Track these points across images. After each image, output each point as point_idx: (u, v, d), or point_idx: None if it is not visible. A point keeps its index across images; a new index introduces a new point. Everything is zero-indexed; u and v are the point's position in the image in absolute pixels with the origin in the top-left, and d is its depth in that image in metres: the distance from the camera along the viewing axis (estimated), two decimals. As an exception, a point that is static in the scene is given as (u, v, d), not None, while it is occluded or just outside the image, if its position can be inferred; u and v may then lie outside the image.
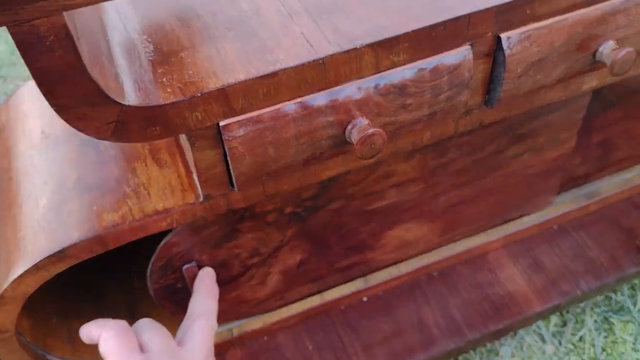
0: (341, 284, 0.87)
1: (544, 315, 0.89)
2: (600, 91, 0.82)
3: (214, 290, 0.70)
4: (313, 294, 0.86)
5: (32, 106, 0.76)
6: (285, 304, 0.85)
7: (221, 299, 0.75)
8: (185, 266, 0.70)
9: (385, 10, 0.59)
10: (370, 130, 0.57)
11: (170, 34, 0.58)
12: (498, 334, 0.86)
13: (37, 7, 0.39)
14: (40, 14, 0.40)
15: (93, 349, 0.64)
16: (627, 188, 0.99)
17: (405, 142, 0.67)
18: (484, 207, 0.88)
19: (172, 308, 0.75)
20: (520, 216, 0.93)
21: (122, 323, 0.59)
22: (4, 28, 0.50)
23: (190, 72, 0.53)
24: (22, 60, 0.47)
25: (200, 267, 0.72)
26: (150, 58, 0.55)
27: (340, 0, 0.60)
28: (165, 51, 0.56)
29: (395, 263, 0.89)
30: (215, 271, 0.72)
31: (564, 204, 0.96)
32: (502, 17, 0.59)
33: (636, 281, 1.06)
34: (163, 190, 0.63)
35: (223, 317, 0.80)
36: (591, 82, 0.72)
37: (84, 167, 0.67)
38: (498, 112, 0.70)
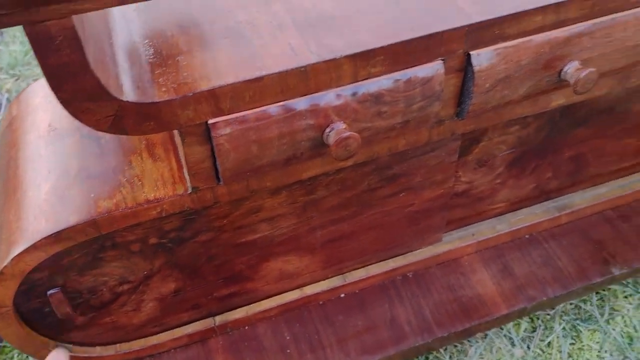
0: (226, 311, 0.89)
1: (511, 318, 0.94)
2: (569, 109, 0.87)
3: None
4: (197, 320, 0.88)
5: (42, 101, 0.82)
6: (166, 330, 0.87)
7: (96, 324, 0.78)
8: (50, 291, 0.72)
9: (366, 26, 0.64)
10: (346, 134, 0.62)
11: (170, 39, 0.64)
12: (465, 334, 0.91)
13: (50, 10, 0.45)
14: (52, 16, 0.46)
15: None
16: (599, 202, 1.05)
17: (381, 148, 0.73)
18: (367, 242, 0.90)
19: (42, 331, 0.77)
20: (408, 252, 0.96)
21: None
22: (20, 29, 0.56)
23: (185, 74, 0.59)
24: (35, 61, 0.53)
25: (66, 292, 0.73)
26: (150, 60, 0.61)
27: (326, 16, 0.66)
28: (164, 54, 0.62)
29: (280, 293, 0.90)
30: (84, 296, 0.74)
31: (536, 215, 1.01)
32: (473, 36, 0.65)
33: (605, 292, 1.12)
34: (155, 181, 0.68)
35: (100, 341, 0.82)
36: (558, 99, 0.78)
37: (85, 159, 0.73)
38: (468, 123, 0.75)
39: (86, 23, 0.54)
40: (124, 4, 0.46)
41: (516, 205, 1.01)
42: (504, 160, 0.91)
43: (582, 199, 1.04)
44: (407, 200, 0.86)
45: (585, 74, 0.69)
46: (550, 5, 0.66)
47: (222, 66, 0.60)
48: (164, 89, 0.57)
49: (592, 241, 1.02)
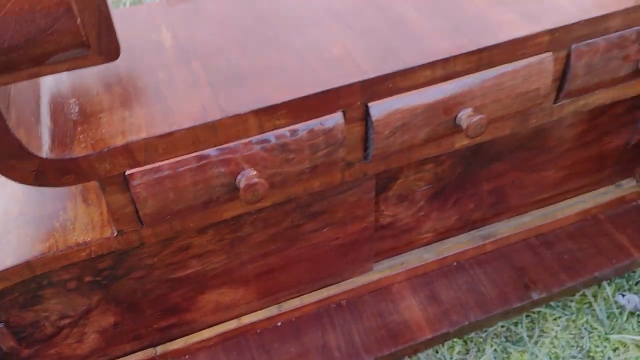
0: (166, 341, 0.95)
1: (436, 342, 1.01)
2: (481, 147, 0.95)
3: None
4: (139, 350, 0.94)
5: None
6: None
7: (42, 356, 0.83)
8: None
9: (272, 82, 0.72)
10: (253, 180, 0.69)
11: (95, 97, 0.71)
12: (392, 358, 0.98)
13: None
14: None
15: None
16: (522, 230, 1.12)
17: (297, 189, 0.80)
18: (299, 273, 0.97)
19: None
20: (341, 281, 1.03)
21: None
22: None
23: (104, 130, 0.66)
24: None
25: (9, 327, 0.78)
26: (74, 118, 0.68)
27: (238, 74, 0.73)
28: (88, 112, 0.69)
29: (218, 323, 0.97)
30: (28, 330, 0.80)
31: (462, 244, 1.09)
32: (368, 90, 0.73)
33: (535, 315, 1.18)
34: (86, 225, 0.75)
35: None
36: (461, 141, 0.86)
37: (26, 204, 0.80)
38: (377, 165, 0.83)
39: (13, 88, 0.61)
40: (33, 77, 0.53)
41: (442, 235, 1.08)
42: (423, 195, 0.98)
43: (506, 228, 1.11)
44: (331, 235, 0.93)
45: (475, 120, 0.77)
46: (438, 61, 0.74)
47: (137, 123, 0.67)
48: (83, 145, 0.64)
49: (514, 268, 1.09)
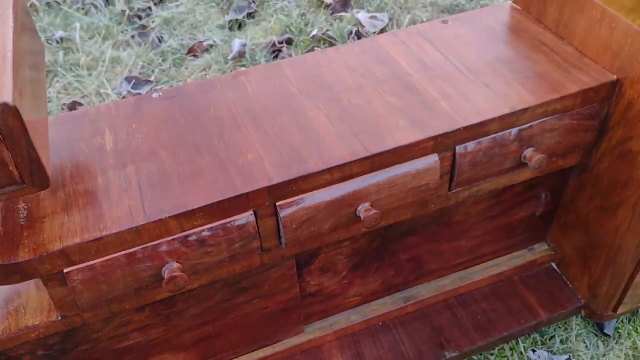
0: None
1: (357, 398, 1.13)
2: (393, 226, 1.08)
3: None
4: None
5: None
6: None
7: None
8: None
9: (193, 187, 0.85)
10: (175, 274, 0.82)
11: (42, 203, 0.84)
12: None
13: None
14: None
15: None
16: (442, 292, 1.25)
17: (221, 273, 0.92)
18: (235, 338, 1.09)
19: None
20: (275, 343, 1.15)
21: None
22: None
23: (45, 235, 0.79)
24: None
25: None
26: (22, 223, 0.81)
27: (164, 179, 0.86)
28: (34, 217, 0.82)
29: None
30: None
31: (386, 306, 1.21)
32: (275, 193, 0.86)
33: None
34: (36, 310, 0.87)
35: None
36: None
37: (-14, 286, 0.92)
38: (292, 250, 0.96)
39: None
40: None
41: (368, 298, 1.21)
42: (345, 266, 1.11)
43: (426, 290, 1.24)
44: (261, 305, 1.06)
45: (371, 215, 0.90)
46: (336, 167, 0.88)
47: (74, 227, 0.80)
48: (27, 250, 0.77)
49: (433, 327, 1.21)
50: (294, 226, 0.90)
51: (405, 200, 0.96)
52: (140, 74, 1.97)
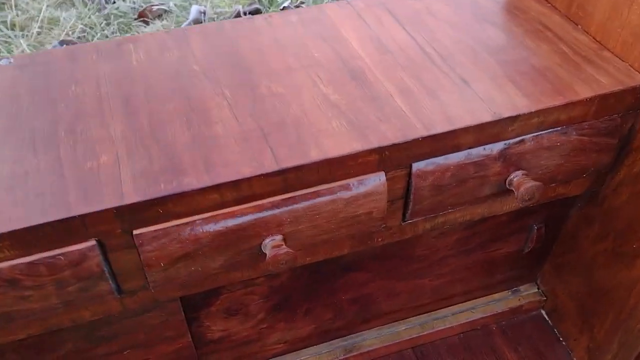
0: None
1: None
2: (327, 260, 0.80)
3: None
4: None
5: None
6: None
7: None
8: None
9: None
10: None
11: None
12: None
13: None
14: None
15: None
16: (395, 342, 0.97)
17: (60, 320, 0.64)
18: None
19: None
20: None
21: None
22: None
23: None
24: None
25: None
26: None
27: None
28: None
29: None
30: None
31: (320, 356, 0.93)
32: (129, 217, 0.58)
33: None
34: None
35: None
36: (280, 265, 0.70)
37: None
38: (166, 293, 0.67)
39: None
40: None
41: (297, 345, 0.93)
42: (261, 307, 0.83)
43: (376, 338, 0.96)
44: (137, 356, 0.78)
45: (280, 254, 0.62)
46: (226, 183, 0.59)
47: None
48: None
49: (379, 388, 0.94)
50: (162, 264, 0.61)
51: (336, 234, 0.68)
52: (79, 38, 1.68)
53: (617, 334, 0.86)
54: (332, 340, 0.95)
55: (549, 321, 1.02)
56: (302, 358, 0.93)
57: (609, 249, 0.84)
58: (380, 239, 0.73)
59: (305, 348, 0.94)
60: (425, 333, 0.98)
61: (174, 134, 0.64)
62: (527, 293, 1.03)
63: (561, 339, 1.00)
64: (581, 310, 0.93)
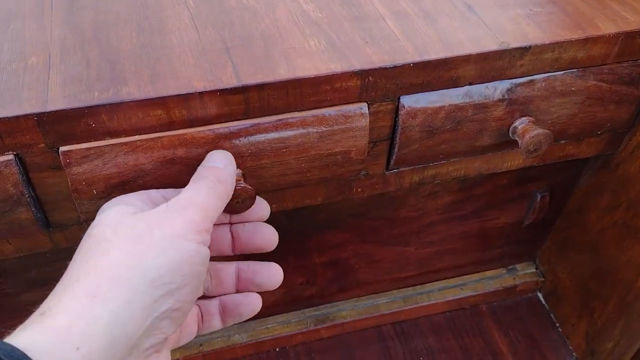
0: None
1: None
2: (299, 212, 0.70)
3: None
4: None
5: None
6: None
7: None
8: None
9: None
10: None
11: None
12: None
13: None
14: None
15: None
16: (372, 315, 0.87)
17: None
18: None
19: None
20: None
21: None
22: None
23: None
24: None
25: None
26: None
27: None
28: None
29: None
30: None
31: (288, 326, 0.84)
32: (53, 129, 0.48)
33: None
34: None
35: None
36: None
37: None
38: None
39: None
40: None
41: (264, 311, 0.83)
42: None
43: (352, 310, 0.87)
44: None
45: (238, 189, 0.52)
46: (173, 97, 0.49)
47: None
48: None
49: (353, 363, 0.84)
50: (95, 192, 0.52)
51: (308, 176, 0.58)
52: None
53: (620, 320, 0.77)
54: (304, 309, 0.85)
55: (545, 305, 0.93)
56: (268, 326, 0.84)
57: (620, 221, 0.74)
58: (360, 189, 0.64)
59: (271, 316, 0.84)
60: (407, 308, 0.88)
61: (120, 40, 0.54)
62: (524, 272, 0.94)
63: (557, 324, 0.90)
64: (582, 293, 0.84)
